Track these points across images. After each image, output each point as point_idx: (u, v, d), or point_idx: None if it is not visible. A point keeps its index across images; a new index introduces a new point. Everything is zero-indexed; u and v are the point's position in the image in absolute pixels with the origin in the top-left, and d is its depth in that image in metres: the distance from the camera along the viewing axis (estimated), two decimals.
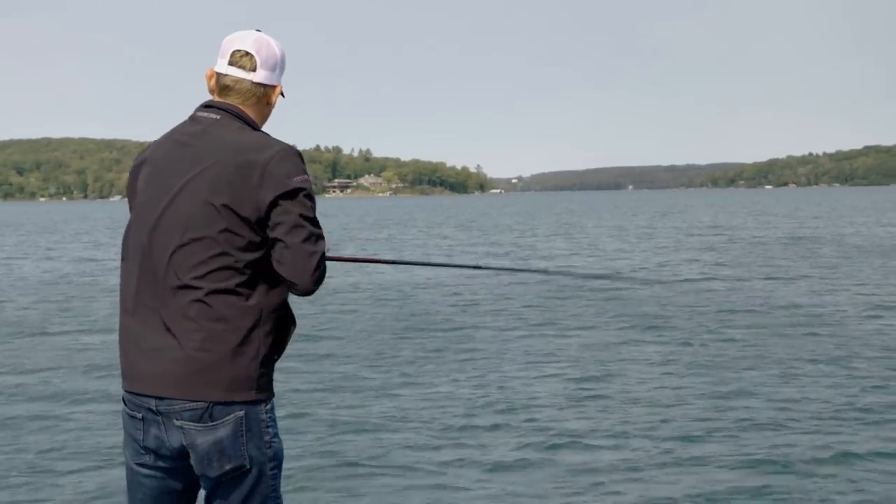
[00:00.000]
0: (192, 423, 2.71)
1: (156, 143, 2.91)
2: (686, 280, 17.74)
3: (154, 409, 2.75)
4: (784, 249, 25.77)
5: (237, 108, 2.85)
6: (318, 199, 2.93)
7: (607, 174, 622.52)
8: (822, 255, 23.17)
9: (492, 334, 11.45)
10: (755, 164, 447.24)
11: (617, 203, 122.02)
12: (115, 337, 2.99)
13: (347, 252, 28.58)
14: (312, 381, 8.68)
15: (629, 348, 10.30)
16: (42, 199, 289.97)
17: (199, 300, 2.69)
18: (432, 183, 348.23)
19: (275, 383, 2.85)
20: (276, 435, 2.83)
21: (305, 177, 2.77)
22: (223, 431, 2.72)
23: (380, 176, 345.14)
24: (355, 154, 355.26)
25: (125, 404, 2.85)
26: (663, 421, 7.09)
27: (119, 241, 2.77)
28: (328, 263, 2.86)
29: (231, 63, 2.86)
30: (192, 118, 2.86)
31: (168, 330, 2.72)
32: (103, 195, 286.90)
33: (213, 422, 2.71)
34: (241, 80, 2.85)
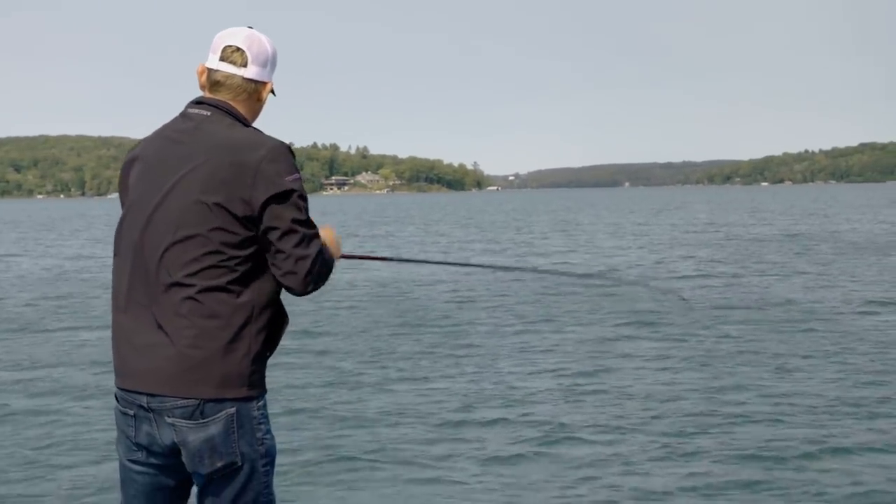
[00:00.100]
0: (183, 421, 2.71)
1: (147, 139, 2.90)
2: (682, 276, 17.79)
3: (146, 405, 2.75)
4: (780, 246, 25.82)
5: (228, 105, 2.85)
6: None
7: (604, 171, 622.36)
8: (818, 252, 23.21)
9: (488, 330, 11.49)
10: (751, 161, 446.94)
11: (613, 200, 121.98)
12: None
13: (346, 249, 28.56)
14: (309, 377, 8.71)
15: (625, 344, 10.34)
16: (39, 197, 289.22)
17: (191, 297, 2.69)
18: (429, 180, 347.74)
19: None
20: (268, 432, 2.82)
21: (297, 175, 2.78)
22: (214, 428, 2.71)
23: (377, 173, 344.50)
24: (352, 151, 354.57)
25: (117, 401, 2.85)
26: (659, 415, 7.13)
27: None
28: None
29: (222, 59, 2.85)
30: (183, 115, 2.86)
31: (160, 327, 2.72)
32: (101, 192, 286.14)
33: (204, 419, 2.71)
34: (232, 76, 2.85)
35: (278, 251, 2.72)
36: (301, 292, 2.79)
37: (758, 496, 5.40)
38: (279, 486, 5.44)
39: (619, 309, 13.07)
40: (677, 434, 6.62)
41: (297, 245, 2.73)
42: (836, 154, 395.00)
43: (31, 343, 11.12)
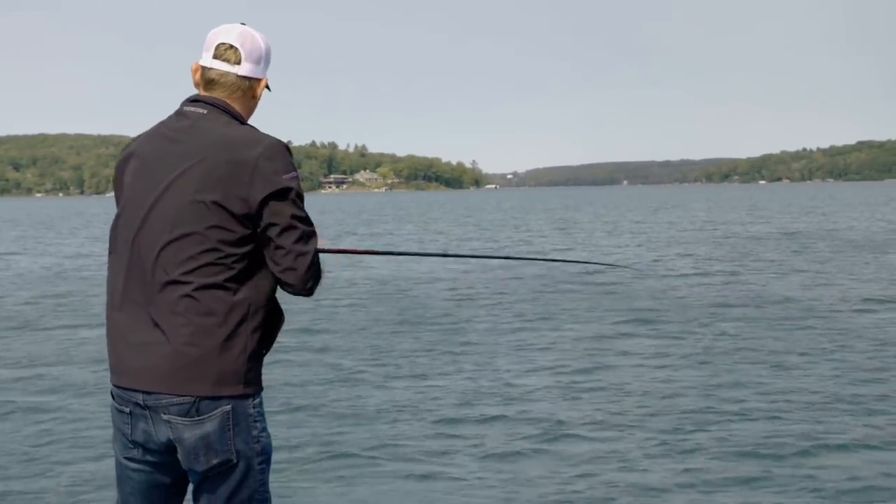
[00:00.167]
0: (179, 418, 2.71)
1: (143, 136, 2.90)
2: (680, 274, 17.83)
3: (141, 403, 2.75)
4: (777, 244, 25.86)
5: (224, 102, 2.84)
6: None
7: (602, 169, 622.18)
8: (816, 250, 23.25)
9: (486, 328, 11.52)
10: (749, 160, 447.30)
11: (611, 198, 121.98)
12: None
13: (344, 246, 28.58)
14: (308, 374, 8.73)
15: (623, 341, 10.37)
16: (38, 195, 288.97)
17: (187, 295, 2.69)
18: (428, 178, 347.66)
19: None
20: (264, 429, 2.83)
21: (294, 173, 2.78)
22: (210, 426, 2.72)
23: (375, 172, 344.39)
24: (351, 150, 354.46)
25: (113, 399, 2.86)
26: (656, 412, 7.16)
27: None
28: (325, 255, 2.89)
29: (216, 56, 2.85)
30: (179, 112, 2.85)
31: (156, 325, 2.72)
32: (99, 191, 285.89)
33: (199, 416, 2.71)
34: (226, 74, 2.85)
35: (278, 247, 2.73)
36: (300, 289, 2.79)
37: (755, 492, 5.42)
38: (278, 482, 5.49)
39: (617, 306, 13.11)
40: (675, 430, 6.65)
41: (297, 241, 2.74)
42: (833, 152, 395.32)
43: (31, 341, 11.14)
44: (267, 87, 2.94)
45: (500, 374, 8.69)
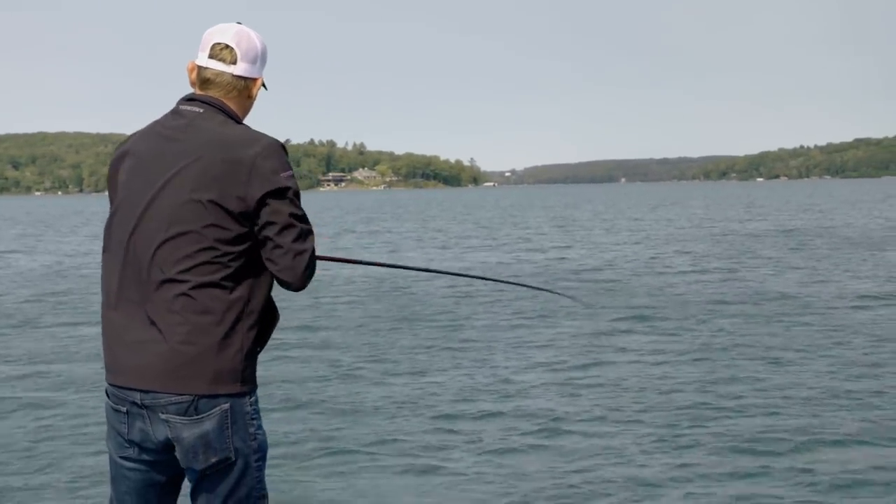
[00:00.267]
0: (177, 417, 2.71)
1: (138, 134, 2.88)
2: (678, 272, 17.88)
3: (139, 402, 2.74)
4: (775, 241, 25.90)
5: (220, 102, 2.84)
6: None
7: (600, 167, 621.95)
8: (813, 247, 23.29)
9: (485, 325, 11.56)
10: (747, 157, 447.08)
11: (610, 196, 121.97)
12: None
13: (342, 243, 28.70)
14: (308, 371, 8.76)
15: (620, 338, 10.40)
16: (37, 194, 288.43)
17: (184, 294, 2.68)
18: (426, 176, 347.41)
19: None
20: (260, 427, 2.84)
21: (291, 172, 2.79)
22: (209, 424, 2.72)
23: (374, 169, 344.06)
24: (349, 148, 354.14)
25: (108, 398, 2.84)
26: (654, 408, 7.21)
27: None
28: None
29: (211, 56, 2.84)
30: (175, 111, 2.84)
31: (153, 323, 2.71)
32: (98, 189, 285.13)
33: (198, 415, 2.71)
34: (222, 73, 2.84)
35: (276, 246, 2.74)
36: (298, 287, 2.81)
37: (752, 486, 5.46)
38: (278, 478, 5.54)
39: (615, 304, 13.16)
40: (672, 426, 6.69)
41: (296, 240, 2.75)
42: (831, 149, 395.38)
43: (31, 338, 11.18)
44: (263, 86, 2.94)
45: (497, 371, 8.73)
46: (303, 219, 2.79)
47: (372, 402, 7.56)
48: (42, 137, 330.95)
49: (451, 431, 6.70)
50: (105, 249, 2.87)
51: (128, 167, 2.83)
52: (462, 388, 8.00)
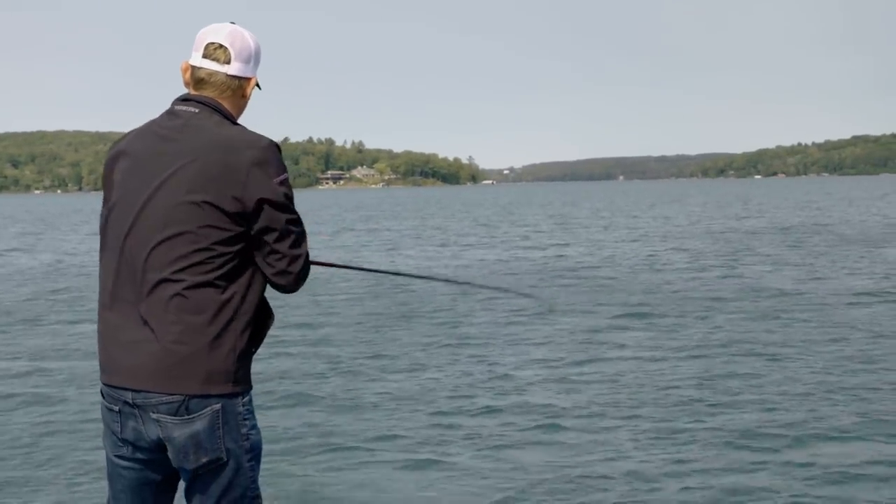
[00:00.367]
0: (168, 417, 2.71)
1: (133, 134, 2.87)
2: (676, 269, 17.91)
3: (130, 401, 2.74)
4: (772, 238, 25.94)
5: (214, 101, 2.83)
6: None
7: (599, 165, 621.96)
8: (811, 244, 23.32)
9: (484, 321, 11.59)
10: (745, 155, 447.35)
11: (608, 193, 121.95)
12: None
13: (341, 241, 28.76)
14: (306, 367, 8.78)
15: (618, 334, 10.44)
16: (37, 192, 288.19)
17: (178, 294, 2.68)
18: (424, 174, 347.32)
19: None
20: (253, 427, 2.82)
21: (286, 174, 2.80)
22: (199, 424, 2.71)
23: (372, 168, 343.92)
24: (348, 146, 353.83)
25: (103, 397, 2.84)
26: (651, 403, 7.24)
27: None
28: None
29: (205, 56, 2.84)
30: (171, 112, 2.83)
31: (146, 323, 2.70)
32: (97, 188, 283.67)
33: (189, 415, 2.70)
34: (216, 73, 2.83)
35: (273, 251, 2.76)
36: (292, 289, 2.85)
37: (748, 481, 5.48)
38: (276, 474, 5.59)
39: (613, 300, 13.20)
40: (669, 421, 6.72)
41: (293, 245, 2.79)
42: (828, 147, 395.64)
43: (31, 336, 11.21)
44: (257, 85, 2.94)
45: (496, 366, 8.77)
46: (297, 223, 2.82)
47: (371, 398, 7.60)
48: (41, 136, 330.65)
49: (449, 427, 6.74)
50: (101, 249, 2.88)
51: (123, 167, 2.83)
52: (460, 384, 8.04)
